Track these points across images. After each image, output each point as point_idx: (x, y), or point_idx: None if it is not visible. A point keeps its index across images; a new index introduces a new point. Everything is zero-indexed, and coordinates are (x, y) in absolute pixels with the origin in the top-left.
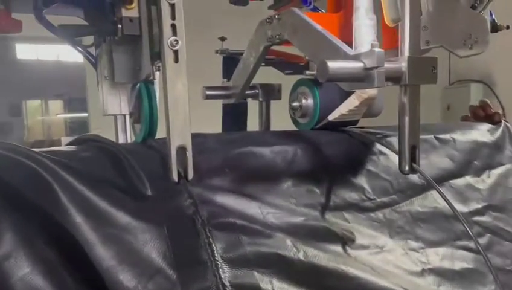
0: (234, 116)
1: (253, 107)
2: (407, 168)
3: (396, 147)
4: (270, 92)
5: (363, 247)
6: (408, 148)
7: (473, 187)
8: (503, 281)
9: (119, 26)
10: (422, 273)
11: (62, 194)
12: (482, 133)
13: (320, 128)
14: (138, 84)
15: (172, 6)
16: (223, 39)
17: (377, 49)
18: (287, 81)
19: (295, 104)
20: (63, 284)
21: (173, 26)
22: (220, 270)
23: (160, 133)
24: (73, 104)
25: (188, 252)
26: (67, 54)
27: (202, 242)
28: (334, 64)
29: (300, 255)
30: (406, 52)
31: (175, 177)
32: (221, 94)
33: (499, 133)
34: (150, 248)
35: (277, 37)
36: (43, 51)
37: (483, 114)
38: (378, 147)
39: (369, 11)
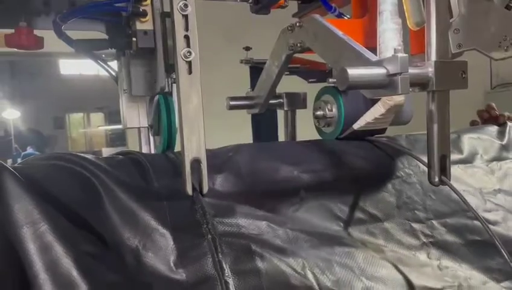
0: (264, 125)
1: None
2: (436, 179)
3: (426, 157)
4: (295, 101)
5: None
6: (438, 158)
7: (484, 172)
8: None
9: (134, 39)
10: (423, 246)
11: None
12: (487, 132)
13: (345, 138)
14: (157, 97)
15: (186, 17)
16: (247, 49)
17: (400, 54)
18: (314, 90)
19: (319, 112)
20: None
21: (186, 38)
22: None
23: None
24: (113, 116)
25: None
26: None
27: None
28: (354, 72)
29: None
30: (433, 57)
31: (189, 190)
32: (245, 104)
33: (504, 132)
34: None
35: (299, 45)
36: (85, 66)
37: (487, 116)
38: (406, 157)
39: (394, 15)
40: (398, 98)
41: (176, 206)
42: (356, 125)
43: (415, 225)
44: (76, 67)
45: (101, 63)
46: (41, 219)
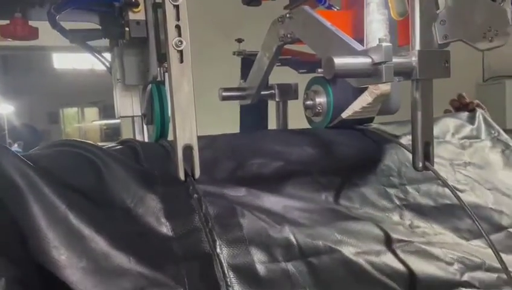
0: (253, 115)
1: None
2: (420, 165)
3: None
4: (287, 92)
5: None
6: (421, 145)
7: (454, 147)
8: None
9: (127, 29)
10: (396, 208)
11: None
12: (459, 116)
13: (334, 127)
14: (150, 86)
15: (177, 7)
16: (240, 41)
17: (384, 44)
18: (306, 82)
19: (309, 102)
20: None
21: (178, 27)
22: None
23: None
24: (108, 111)
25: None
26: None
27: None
28: (340, 61)
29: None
30: (417, 46)
31: (182, 175)
32: (238, 95)
33: (474, 117)
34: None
35: (289, 36)
36: (79, 60)
37: (458, 104)
38: (392, 144)
39: (381, 7)
40: (384, 87)
41: (165, 177)
42: (344, 114)
43: (390, 190)
44: (70, 62)
45: (94, 53)
46: (54, 196)
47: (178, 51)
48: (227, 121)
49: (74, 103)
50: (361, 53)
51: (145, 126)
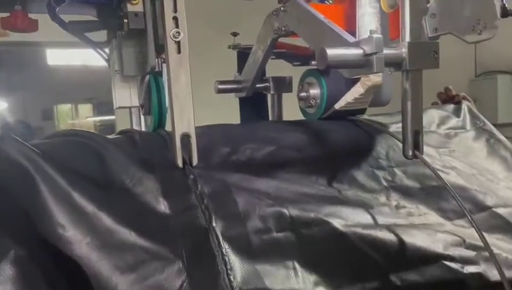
0: (253, 108)
1: None
2: (410, 153)
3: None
4: (282, 85)
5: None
6: (411, 134)
7: (440, 136)
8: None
9: (126, 20)
10: (383, 189)
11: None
12: (445, 108)
13: (327, 118)
14: (147, 77)
15: None
16: (235, 34)
17: (375, 35)
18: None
19: (303, 94)
20: None
21: (175, 19)
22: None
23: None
24: (102, 107)
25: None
26: (96, 59)
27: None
28: (333, 52)
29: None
30: (407, 38)
31: (180, 163)
32: (233, 88)
33: (460, 110)
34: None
35: (283, 28)
36: (72, 56)
37: (445, 97)
38: (383, 134)
39: (372, 0)
40: (376, 79)
41: (163, 162)
42: (337, 105)
43: (378, 172)
44: (64, 58)
45: (92, 46)
46: (59, 178)
47: (176, 42)
48: (222, 115)
49: (68, 99)
50: (353, 44)
51: (142, 118)
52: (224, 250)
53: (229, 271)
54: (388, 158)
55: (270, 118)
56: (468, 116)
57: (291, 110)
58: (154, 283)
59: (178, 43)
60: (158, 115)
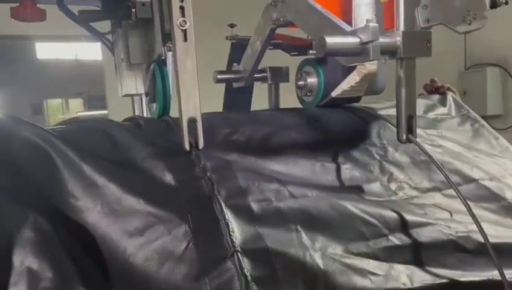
0: (238, 96)
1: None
2: (404, 137)
3: (394, 120)
4: (279, 75)
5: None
6: (405, 119)
7: (427, 120)
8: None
9: (133, 10)
10: (376, 161)
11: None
12: (431, 98)
13: (324, 105)
14: (152, 66)
15: None
16: (232, 26)
17: (371, 24)
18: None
19: (300, 82)
20: None
21: (182, 8)
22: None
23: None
24: (93, 102)
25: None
26: (86, 52)
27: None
28: (331, 40)
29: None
30: (401, 27)
31: (187, 146)
32: (232, 78)
33: (445, 100)
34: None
35: (281, 19)
36: (62, 49)
37: (431, 88)
38: (374, 117)
39: None
40: (371, 67)
41: (167, 143)
42: (334, 93)
43: (371, 148)
44: (54, 52)
45: (97, 35)
46: (71, 153)
47: (182, 30)
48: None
49: (58, 93)
50: (350, 33)
51: (144, 107)
52: (226, 215)
53: (231, 233)
54: (380, 136)
55: (267, 107)
56: (453, 105)
57: (288, 100)
58: (161, 245)
59: (184, 31)
60: (163, 103)
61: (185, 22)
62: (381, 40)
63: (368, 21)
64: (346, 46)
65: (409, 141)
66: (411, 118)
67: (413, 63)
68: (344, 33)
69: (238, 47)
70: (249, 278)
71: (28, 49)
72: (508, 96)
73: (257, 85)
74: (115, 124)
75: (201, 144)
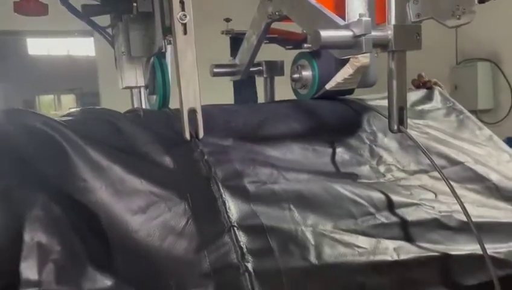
0: (244, 91)
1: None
2: (395, 127)
3: (385, 111)
4: (274, 69)
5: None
6: (396, 110)
7: (414, 111)
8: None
9: (134, 4)
10: (366, 146)
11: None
12: (418, 93)
13: (319, 98)
14: (152, 59)
15: None
16: (228, 20)
17: (364, 18)
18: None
19: (295, 75)
20: None
21: (182, 2)
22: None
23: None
24: (86, 98)
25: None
26: (78, 48)
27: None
28: (325, 33)
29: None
30: (392, 21)
31: (187, 136)
32: (228, 71)
33: (432, 94)
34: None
35: (277, 13)
36: (54, 45)
37: (418, 83)
38: (368, 110)
39: None
40: (364, 60)
41: (167, 131)
42: (328, 86)
43: (362, 134)
44: (45, 47)
45: (98, 29)
46: (78, 140)
47: (182, 24)
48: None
49: (50, 90)
50: (343, 27)
51: (143, 99)
52: (223, 195)
53: (227, 210)
54: (370, 124)
55: (263, 100)
56: (439, 98)
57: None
58: (163, 221)
59: (184, 25)
60: (162, 95)
61: (185, 15)
62: (374, 33)
63: (360, 15)
64: (340, 39)
65: (399, 131)
66: (402, 110)
67: (404, 55)
68: (338, 27)
69: (236, 41)
70: (245, 250)
71: (19, 45)
72: (498, 90)
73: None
74: (118, 114)
75: (201, 134)
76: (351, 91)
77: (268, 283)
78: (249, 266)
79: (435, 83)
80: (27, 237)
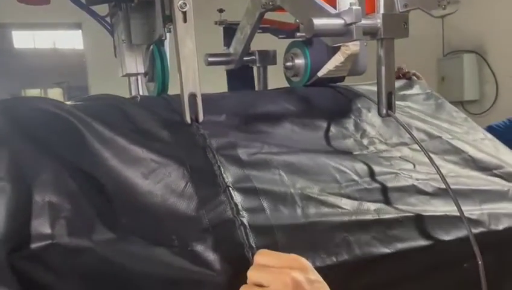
0: (241, 80)
1: None
2: (384, 111)
3: (371, 95)
4: (267, 58)
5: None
6: (385, 95)
7: (397, 95)
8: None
9: None
10: (352, 121)
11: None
12: (400, 82)
13: (311, 85)
14: (151, 47)
15: None
16: (221, 11)
17: (354, 7)
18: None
19: (288, 64)
20: None
21: None
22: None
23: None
24: (73, 92)
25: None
26: (65, 41)
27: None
28: (318, 21)
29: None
30: (381, 10)
31: (188, 119)
32: (222, 60)
33: (411, 83)
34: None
35: (270, 3)
36: (40, 38)
37: (397, 74)
38: (356, 94)
39: None
40: (354, 48)
41: (166, 112)
42: (320, 73)
43: (349, 113)
44: (31, 40)
45: (97, 18)
46: (91, 119)
47: (182, 12)
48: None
49: (37, 84)
50: (335, 16)
51: (140, 87)
52: (218, 161)
53: (223, 173)
54: (356, 104)
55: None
56: (419, 86)
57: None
58: (164, 185)
59: (184, 13)
60: (162, 82)
61: (185, 4)
62: (364, 21)
63: (351, 4)
64: (332, 27)
65: (388, 115)
66: (390, 94)
67: (393, 43)
68: (329, 16)
69: (229, 31)
70: (239, 207)
71: (4, 38)
72: (484, 82)
73: None
74: (123, 98)
75: (201, 118)
76: (341, 79)
77: (262, 235)
78: (244, 220)
79: (414, 74)
80: (38, 197)
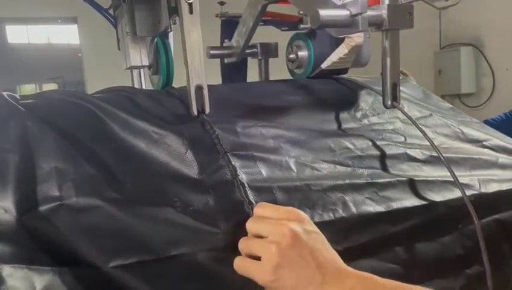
0: (235, 71)
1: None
2: (389, 102)
3: (374, 86)
4: (268, 50)
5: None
6: (390, 86)
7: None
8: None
9: None
10: (353, 104)
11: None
12: None
13: (314, 77)
14: (155, 40)
15: None
16: (222, 3)
17: None
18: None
19: (291, 56)
20: None
21: None
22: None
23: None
24: (68, 87)
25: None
26: (59, 36)
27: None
28: (324, 12)
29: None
30: (386, 1)
31: (195, 111)
32: (224, 53)
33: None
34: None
35: None
36: (35, 33)
37: None
38: (360, 87)
39: None
40: (358, 39)
41: (172, 103)
42: (324, 65)
43: (347, 96)
44: (25, 35)
45: (101, 10)
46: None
47: (188, 3)
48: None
49: (31, 79)
50: (340, 7)
51: (143, 79)
52: (216, 131)
53: (221, 142)
54: (356, 90)
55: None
56: (407, 78)
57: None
58: (167, 153)
59: (190, 4)
60: (166, 74)
61: None
62: (369, 12)
63: None
64: (338, 18)
65: (393, 106)
66: (395, 85)
67: (397, 34)
68: (335, 6)
69: (228, 24)
70: (237, 168)
71: None
72: (481, 75)
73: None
74: (134, 88)
75: (207, 109)
76: (345, 70)
77: (261, 193)
78: (243, 180)
79: (401, 71)
80: (44, 164)
